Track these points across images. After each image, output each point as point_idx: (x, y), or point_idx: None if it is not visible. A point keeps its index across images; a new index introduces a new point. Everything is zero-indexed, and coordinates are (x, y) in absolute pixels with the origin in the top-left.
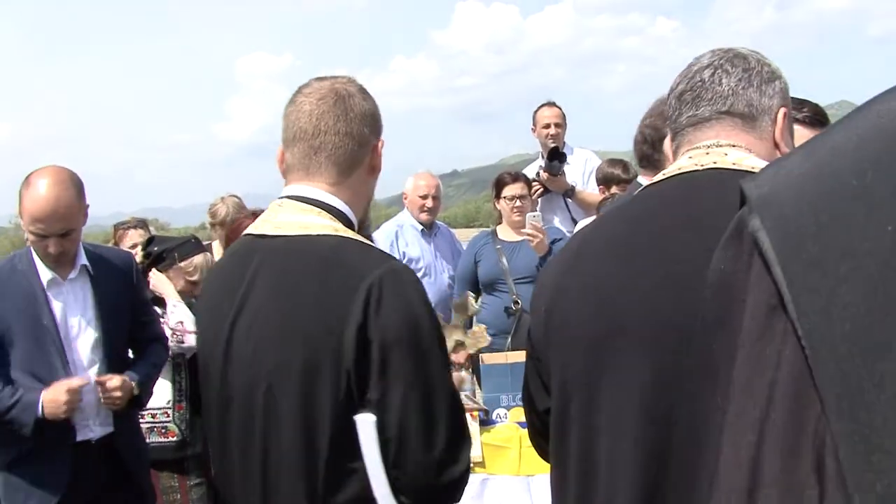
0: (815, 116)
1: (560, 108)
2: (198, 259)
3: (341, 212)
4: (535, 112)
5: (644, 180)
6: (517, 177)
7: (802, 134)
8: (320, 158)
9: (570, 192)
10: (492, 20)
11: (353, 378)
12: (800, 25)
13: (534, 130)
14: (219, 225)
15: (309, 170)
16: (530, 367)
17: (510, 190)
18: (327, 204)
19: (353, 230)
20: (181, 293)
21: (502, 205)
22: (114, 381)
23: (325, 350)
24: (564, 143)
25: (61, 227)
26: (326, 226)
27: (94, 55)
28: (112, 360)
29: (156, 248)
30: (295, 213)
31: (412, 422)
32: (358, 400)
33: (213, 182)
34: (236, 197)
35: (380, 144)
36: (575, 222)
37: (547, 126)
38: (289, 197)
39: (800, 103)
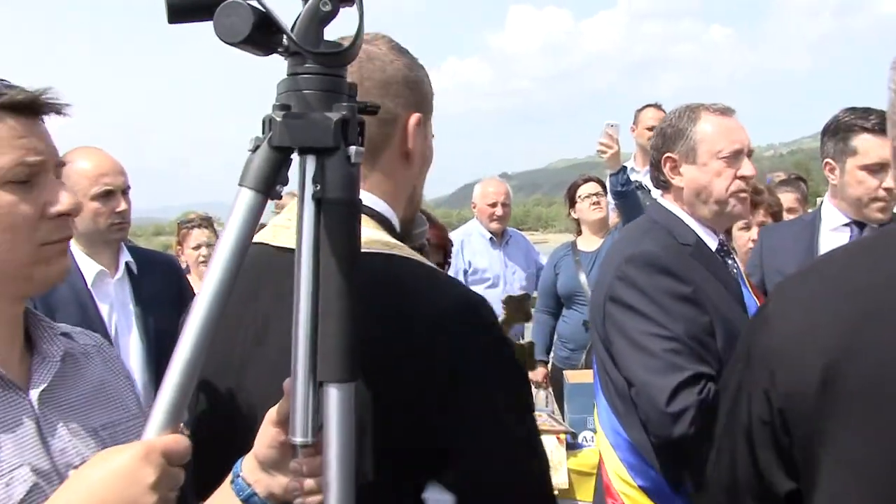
0: (884, 124)
1: (665, 112)
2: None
3: (376, 211)
4: (639, 112)
5: (666, 202)
6: (589, 178)
7: (875, 142)
8: None
9: None
10: (544, 24)
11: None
12: (860, 31)
13: (633, 129)
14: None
15: None
16: (761, 435)
17: (585, 189)
18: (368, 207)
19: (397, 235)
20: None
21: (580, 207)
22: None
23: (382, 396)
24: None
25: (124, 181)
26: (372, 239)
27: (153, 47)
28: (159, 372)
29: None
30: None
31: (495, 476)
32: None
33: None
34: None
35: (413, 120)
36: None
37: (651, 128)
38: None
39: (865, 112)
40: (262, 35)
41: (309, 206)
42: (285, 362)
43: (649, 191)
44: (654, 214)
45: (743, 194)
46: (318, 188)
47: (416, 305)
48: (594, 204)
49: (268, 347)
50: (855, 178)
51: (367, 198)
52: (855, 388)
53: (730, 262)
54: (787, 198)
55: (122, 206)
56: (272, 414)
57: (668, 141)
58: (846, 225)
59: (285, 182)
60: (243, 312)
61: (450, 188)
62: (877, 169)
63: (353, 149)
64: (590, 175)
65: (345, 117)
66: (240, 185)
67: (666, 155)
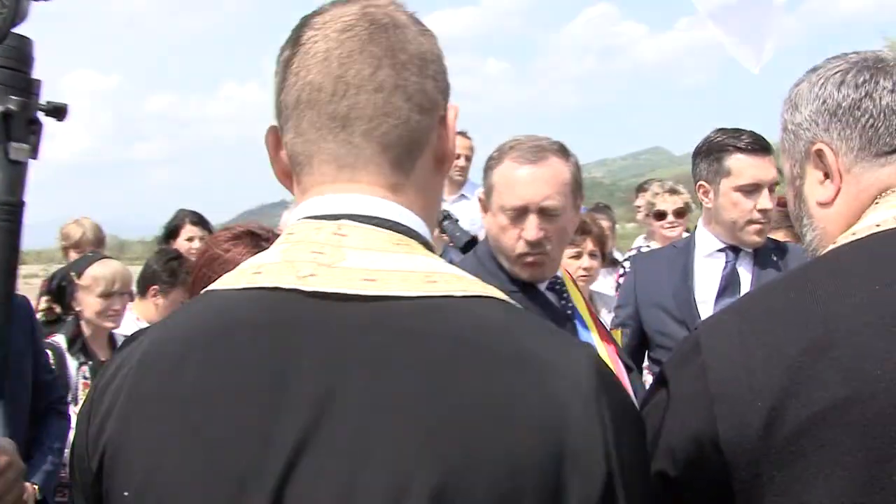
0: (756, 143)
1: (471, 140)
2: (95, 269)
3: (424, 238)
4: None
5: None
6: None
7: (748, 162)
8: (355, 137)
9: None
10: None
11: None
12: (619, 74)
13: None
14: (73, 248)
15: (339, 161)
16: (695, 482)
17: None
18: (411, 229)
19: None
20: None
21: None
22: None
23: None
24: (468, 178)
25: None
26: (462, 277)
27: None
28: (17, 436)
29: (54, 282)
30: (380, 248)
31: None
32: None
33: (30, 203)
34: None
35: (452, 113)
36: None
37: (457, 157)
38: (346, 216)
39: (737, 132)
40: None
41: None
42: (385, 450)
43: (457, 220)
44: (479, 257)
45: (529, 258)
46: None
47: (549, 364)
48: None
49: (331, 437)
50: (730, 200)
51: (409, 218)
52: (803, 428)
53: (563, 299)
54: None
55: None
56: None
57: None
58: (721, 251)
59: None
60: (270, 398)
61: (231, 213)
62: (751, 190)
63: (13, 145)
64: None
65: (7, 111)
66: None
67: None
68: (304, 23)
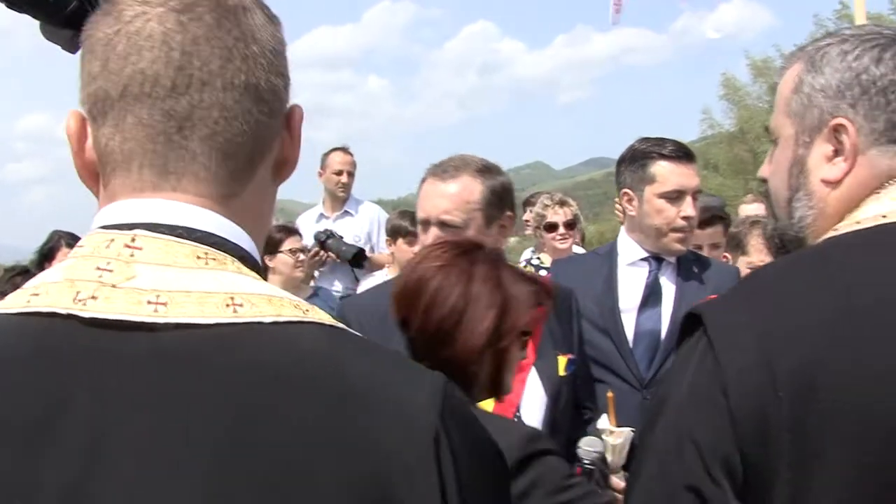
0: (680, 151)
1: (353, 156)
2: None
3: (247, 252)
4: (327, 155)
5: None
6: None
7: (672, 169)
8: (191, 142)
9: (359, 256)
10: None
11: None
12: (499, 90)
13: (321, 175)
14: None
15: (167, 167)
16: (716, 477)
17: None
18: (226, 240)
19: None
20: None
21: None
22: None
23: None
24: (351, 195)
25: None
26: (274, 297)
27: None
28: None
29: None
30: (179, 263)
31: None
32: None
33: None
34: None
35: (298, 113)
36: (358, 281)
37: (339, 172)
38: (146, 226)
39: (660, 140)
40: None
41: None
42: None
43: (341, 237)
44: None
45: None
46: None
47: (395, 404)
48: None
49: (102, 493)
50: (654, 207)
51: (232, 231)
52: (828, 416)
53: None
54: None
55: None
56: None
57: None
58: (644, 259)
59: None
60: (29, 461)
61: None
62: (675, 196)
63: None
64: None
65: None
66: None
67: None
68: None
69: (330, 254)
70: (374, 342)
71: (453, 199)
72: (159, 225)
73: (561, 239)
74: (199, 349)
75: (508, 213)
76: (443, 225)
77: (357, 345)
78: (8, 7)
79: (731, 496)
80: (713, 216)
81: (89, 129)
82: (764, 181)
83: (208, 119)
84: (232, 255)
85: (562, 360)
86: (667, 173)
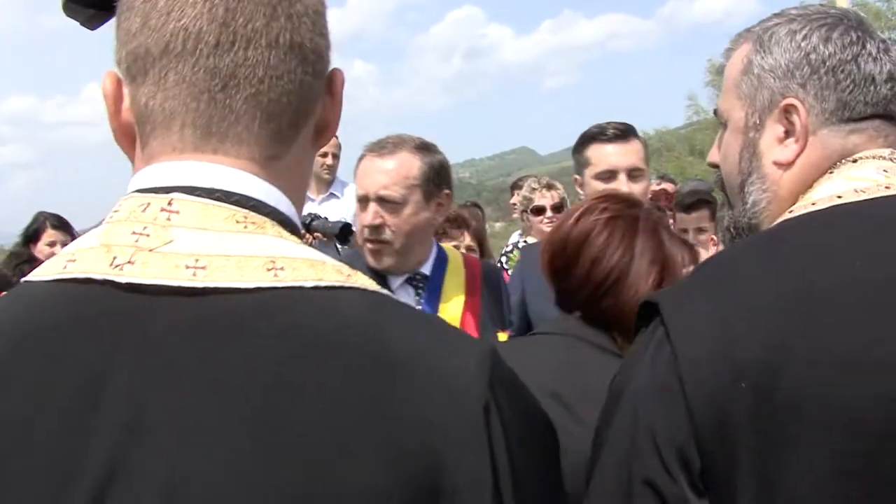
0: (616, 130)
1: (337, 138)
2: None
3: (286, 217)
4: None
5: None
6: None
7: (604, 150)
8: (236, 101)
9: (346, 230)
10: None
11: None
12: (485, 75)
13: None
14: None
15: (210, 128)
16: (671, 468)
17: None
18: (265, 204)
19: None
20: None
21: None
22: None
23: None
24: (336, 177)
25: None
26: (316, 261)
27: None
28: None
29: None
30: (218, 227)
31: None
32: None
33: None
34: None
35: (340, 78)
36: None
37: (324, 154)
38: (184, 189)
39: (603, 125)
40: None
41: None
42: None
43: (326, 218)
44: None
45: (369, 244)
46: None
47: (438, 371)
48: None
49: (142, 467)
50: (592, 189)
51: (272, 194)
52: (791, 412)
53: (418, 295)
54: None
55: None
56: None
57: None
58: None
59: None
60: (70, 423)
61: (96, 219)
62: (607, 177)
63: None
64: None
65: None
66: None
67: None
68: None
69: (317, 234)
70: (419, 310)
71: (392, 174)
72: (196, 188)
73: (548, 222)
74: (239, 314)
75: (446, 190)
76: (382, 200)
77: (400, 312)
78: None
79: (688, 491)
80: (699, 200)
81: (126, 90)
82: (714, 167)
83: (253, 78)
84: (271, 219)
85: (502, 337)
86: (599, 154)
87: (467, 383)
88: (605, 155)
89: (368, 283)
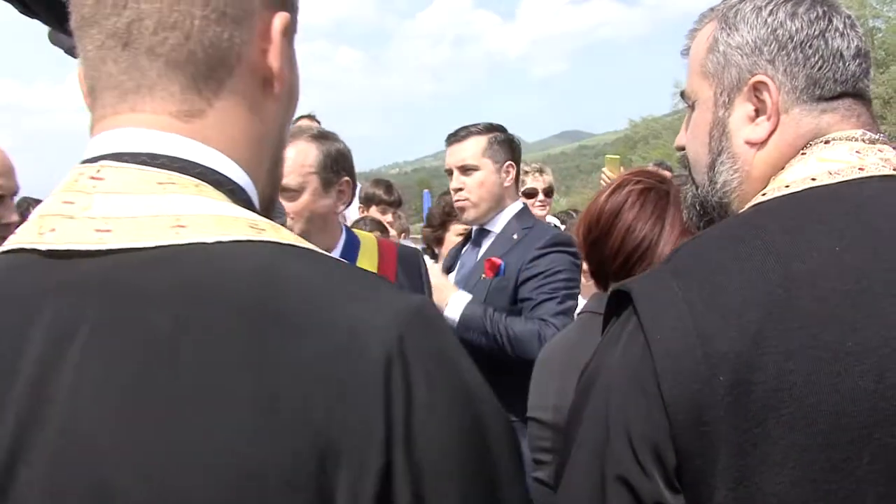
0: (451, 135)
1: (319, 123)
2: None
3: (222, 175)
4: (293, 123)
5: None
6: None
7: (447, 152)
8: (139, 57)
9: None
10: None
11: None
12: (473, 63)
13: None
14: None
15: (122, 87)
16: (646, 466)
17: None
18: (193, 163)
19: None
20: None
21: None
22: None
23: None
24: None
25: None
26: (226, 216)
27: None
28: None
29: None
30: (137, 190)
31: None
32: None
33: None
34: None
35: (279, 22)
36: None
37: None
38: (112, 156)
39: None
40: None
41: None
42: (86, 448)
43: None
44: None
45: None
46: None
47: (341, 324)
48: None
49: (42, 435)
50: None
51: (202, 153)
52: (770, 406)
53: None
54: None
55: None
56: None
57: None
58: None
59: None
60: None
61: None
62: (450, 174)
63: None
64: None
65: None
66: None
67: None
68: None
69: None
70: (343, 263)
71: (287, 163)
72: (123, 154)
73: (540, 205)
74: (134, 272)
75: (346, 178)
76: (280, 189)
77: (312, 264)
78: (21, 12)
79: (662, 487)
80: None
81: None
82: (682, 150)
83: (146, 31)
84: (202, 180)
85: None
86: (446, 155)
87: (369, 339)
88: (447, 156)
89: (288, 238)
